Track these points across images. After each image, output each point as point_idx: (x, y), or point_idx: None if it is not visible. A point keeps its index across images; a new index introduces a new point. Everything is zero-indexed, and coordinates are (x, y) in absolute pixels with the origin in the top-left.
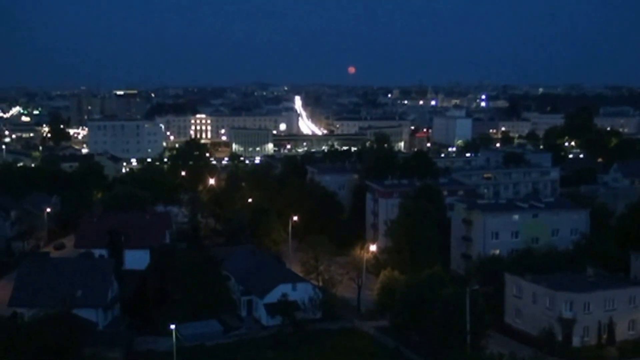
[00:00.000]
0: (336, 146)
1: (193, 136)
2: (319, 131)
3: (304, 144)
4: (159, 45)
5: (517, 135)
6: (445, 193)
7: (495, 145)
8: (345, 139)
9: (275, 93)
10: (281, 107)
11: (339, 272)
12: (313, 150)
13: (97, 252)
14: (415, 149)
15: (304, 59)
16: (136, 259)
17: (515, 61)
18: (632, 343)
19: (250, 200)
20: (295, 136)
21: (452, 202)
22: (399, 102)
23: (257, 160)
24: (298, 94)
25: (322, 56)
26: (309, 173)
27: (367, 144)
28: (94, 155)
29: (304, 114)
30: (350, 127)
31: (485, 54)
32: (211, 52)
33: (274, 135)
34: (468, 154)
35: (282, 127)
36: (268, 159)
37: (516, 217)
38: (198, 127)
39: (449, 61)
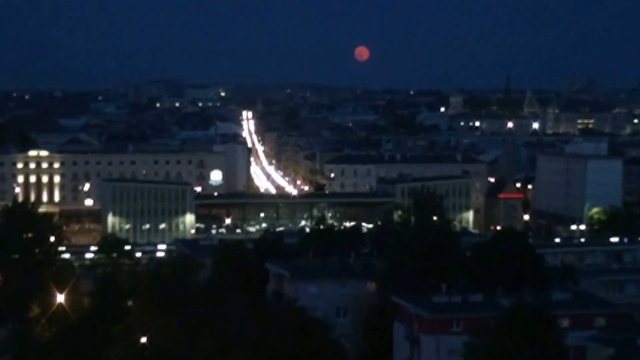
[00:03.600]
0: (329, 220)
1: (21, 198)
2: (292, 187)
3: (262, 214)
4: None
5: None
6: (565, 323)
7: None
8: (350, 203)
9: (202, 104)
10: (214, 134)
11: None
12: (281, 228)
13: None
14: (499, 227)
15: (262, 33)
16: None
17: None
18: None
19: (144, 339)
20: (243, 198)
21: (582, 344)
22: (462, 123)
23: (161, 251)
24: (248, 104)
25: (300, 29)
26: (271, 279)
27: (397, 214)
28: None
29: (260, 149)
30: (359, 179)
31: None
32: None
33: (199, 195)
34: (615, 238)
35: (216, 177)
36: (184, 247)
37: None
38: (32, 178)
39: (568, 39)
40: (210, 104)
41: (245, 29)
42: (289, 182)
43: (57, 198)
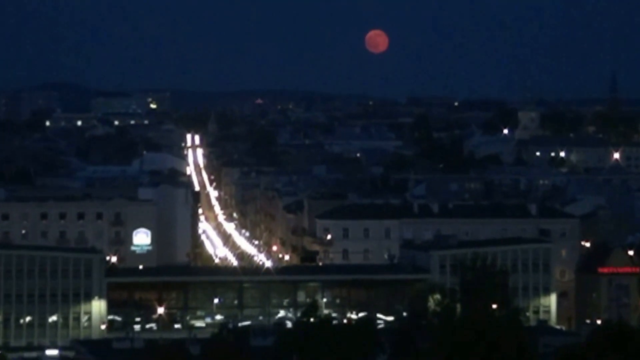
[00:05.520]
0: (324, 308)
1: None
2: (264, 256)
3: (215, 300)
4: None
5: None
6: None
7: None
8: (357, 282)
9: (119, 122)
10: (138, 171)
11: None
12: (246, 322)
13: None
14: (600, 320)
15: (215, 17)
16: None
17: None
18: None
19: None
20: (185, 274)
21: None
22: (538, 153)
23: (52, 359)
24: (195, 123)
25: (280, 9)
26: None
27: (433, 299)
28: None
29: (214, 194)
30: (371, 242)
31: None
32: None
33: (114, 270)
34: None
35: (141, 240)
36: (89, 353)
37: None
38: None
39: None
40: (132, 122)
41: (189, 11)
42: (259, 248)
43: None
